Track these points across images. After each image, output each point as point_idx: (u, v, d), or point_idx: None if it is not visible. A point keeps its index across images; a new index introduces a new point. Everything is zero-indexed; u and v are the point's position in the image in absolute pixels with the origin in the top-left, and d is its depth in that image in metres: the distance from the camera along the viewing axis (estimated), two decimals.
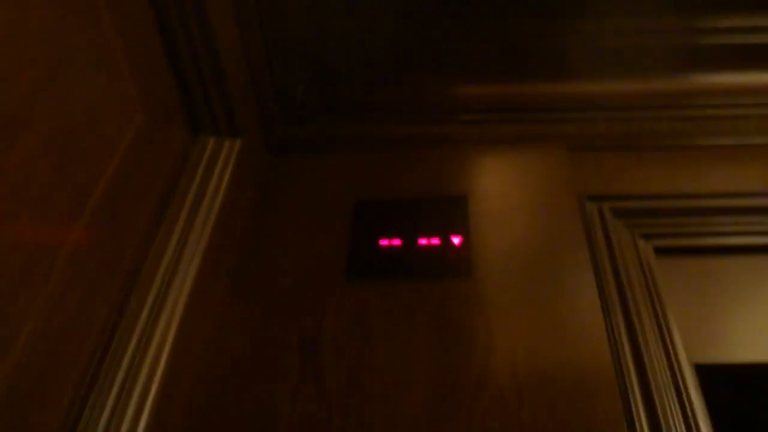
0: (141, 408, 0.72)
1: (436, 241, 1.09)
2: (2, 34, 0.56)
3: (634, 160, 1.22)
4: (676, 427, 0.86)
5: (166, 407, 0.77)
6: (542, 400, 0.88)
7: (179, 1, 0.86)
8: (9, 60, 0.57)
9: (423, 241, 1.10)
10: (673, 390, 0.90)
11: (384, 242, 1.10)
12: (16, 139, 0.57)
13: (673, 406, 0.88)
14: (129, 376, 0.72)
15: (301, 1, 1.25)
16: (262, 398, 0.90)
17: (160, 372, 0.75)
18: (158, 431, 0.75)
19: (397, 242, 1.10)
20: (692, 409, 0.88)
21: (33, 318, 0.60)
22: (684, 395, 0.89)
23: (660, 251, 1.09)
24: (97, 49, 0.72)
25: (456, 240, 1.09)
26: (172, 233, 0.86)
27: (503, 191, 1.17)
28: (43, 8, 0.62)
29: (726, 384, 0.98)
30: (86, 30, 0.70)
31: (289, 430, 0.87)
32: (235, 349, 0.96)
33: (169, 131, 0.91)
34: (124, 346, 0.74)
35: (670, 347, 0.95)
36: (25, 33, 0.60)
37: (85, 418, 0.67)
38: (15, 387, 0.58)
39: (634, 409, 0.87)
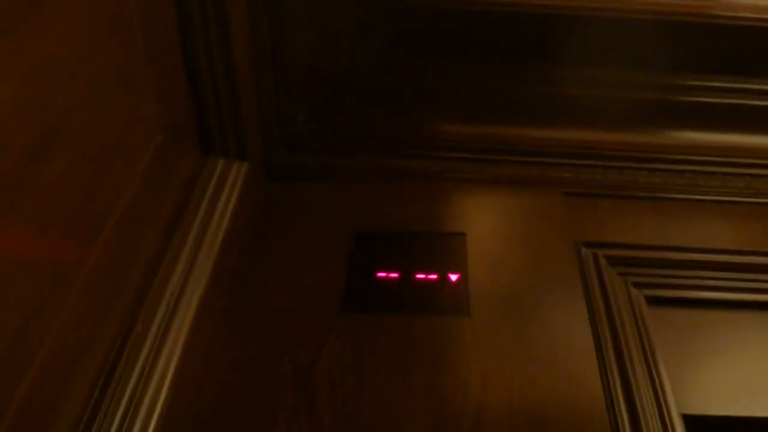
0: None
1: (433, 276, 1.10)
2: (49, 54, 0.56)
3: (628, 209, 1.25)
4: None
5: None
6: None
7: (204, 24, 0.87)
8: (51, 79, 0.57)
9: (420, 276, 1.10)
10: None
11: (381, 275, 1.11)
12: (51, 153, 0.57)
13: None
14: (132, 403, 0.71)
15: (309, 31, 1.27)
16: (256, 430, 0.89)
17: (162, 399, 0.74)
18: None
19: (394, 275, 1.11)
20: None
21: (51, 339, 0.59)
22: None
23: (651, 301, 1.11)
24: (127, 72, 0.72)
25: (454, 277, 1.10)
26: (180, 256, 0.86)
27: (501, 231, 1.18)
28: (84, 31, 0.63)
29: None
30: (121, 54, 0.71)
31: None
32: (229, 378, 0.94)
33: (183, 151, 0.92)
34: (129, 371, 0.73)
35: (660, 395, 0.96)
36: (67, 55, 0.60)
37: None
38: (27, 412, 0.56)
39: None
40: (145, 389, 0.73)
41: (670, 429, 0.93)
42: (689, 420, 0.96)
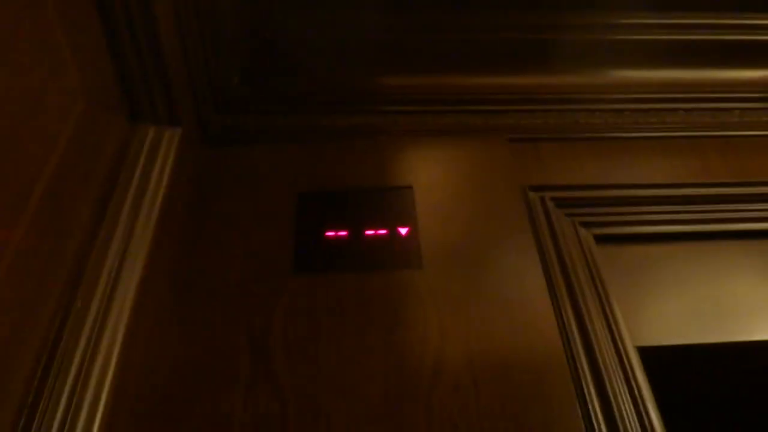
0: (93, 415, 0.67)
1: (383, 231, 1.08)
2: None
3: (570, 151, 1.25)
4: (625, 407, 0.89)
5: (116, 413, 0.72)
6: (498, 386, 0.89)
7: None
8: None
9: (370, 233, 1.08)
10: (620, 371, 0.93)
11: (330, 234, 1.08)
12: None
13: (621, 387, 0.91)
14: (78, 384, 0.67)
15: None
16: (213, 399, 0.87)
17: (109, 378, 0.71)
18: None
19: (343, 233, 1.08)
20: (639, 389, 0.91)
21: None
22: (630, 376, 0.92)
23: (600, 239, 1.12)
24: (39, 37, 0.67)
25: (403, 230, 1.08)
26: (116, 227, 0.81)
27: (448, 182, 1.17)
28: None
29: (664, 364, 1.02)
30: (29, 18, 0.65)
31: (243, 430, 0.84)
32: (182, 351, 0.91)
33: (109, 120, 0.86)
34: (72, 349, 0.69)
35: (614, 330, 0.98)
36: None
37: (37, 422, 0.62)
38: None
39: (586, 391, 0.89)
40: (90, 368, 0.69)
41: (625, 362, 0.94)
42: (644, 351, 0.98)
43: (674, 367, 1.07)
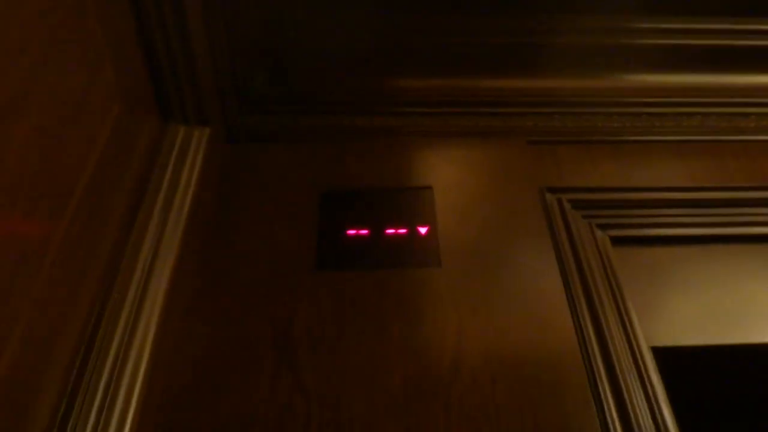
0: (128, 404, 0.71)
1: (403, 230, 1.11)
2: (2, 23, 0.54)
3: (587, 153, 1.27)
4: (639, 405, 0.90)
5: (148, 402, 0.75)
6: (515, 382, 0.91)
7: None
8: (3, 51, 0.55)
9: (390, 231, 1.11)
10: (635, 370, 0.95)
11: (352, 232, 1.11)
12: (8, 131, 0.55)
13: (635, 386, 0.93)
14: (115, 372, 0.71)
15: None
16: (239, 390, 0.90)
17: (143, 366, 0.74)
18: (142, 425, 0.74)
19: (364, 232, 1.11)
20: (653, 388, 0.93)
21: (25, 316, 0.58)
22: (645, 376, 0.94)
23: (616, 241, 1.14)
24: (82, 41, 0.70)
25: (423, 230, 1.11)
26: (149, 223, 0.85)
27: (467, 183, 1.19)
28: (31, 3, 0.60)
29: (678, 364, 1.04)
30: (73, 22, 0.68)
31: (267, 421, 0.87)
32: (209, 341, 0.94)
33: (143, 120, 0.90)
34: (109, 339, 0.72)
35: (630, 331, 0.99)
36: (17, 25, 0.58)
37: (75, 412, 0.65)
38: (10, 387, 0.55)
39: (600, 389, 0.91)
40: (126, 357, 0.72)
41: (640, 362, 0.96)
42: (658, 352, 1.00)
43: (688, 368, 1.08)
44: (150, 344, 0.76)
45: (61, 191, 0.66)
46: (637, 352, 0.97)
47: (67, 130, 0.67)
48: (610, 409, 0.90)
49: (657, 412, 0.91)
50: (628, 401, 0.90)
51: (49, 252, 0.63)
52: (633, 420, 0.89)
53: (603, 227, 1.15)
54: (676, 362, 1.02)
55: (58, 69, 0.65)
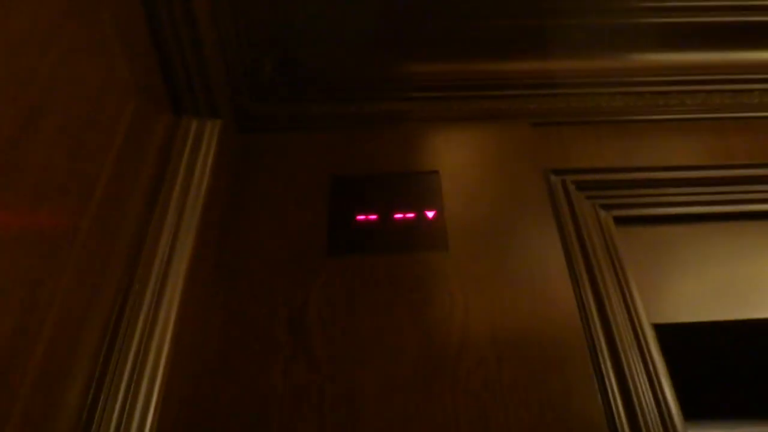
0: (152, 387, 0.75)
1: (411, 215, 1.14)
2: (20, 33, 0.57)
3: (591, 134, 1.29)
4: (640, 381, 0.94)
5: (171, 385, 0.80)
6: (520, 360, 0.95)
7: None
8: (25, 55, 0.58)
9: (398, 216, 1.14)
10: (636, 347, 0.98)
11: (361, 217, 1.14)
12: (36, 130, 0.59)
13: (636, 362, 0.96)
14: (139, 357, 0.75)
15: None
16: (255, 371, 0.94)
17: (165, 351, 0.79)
18: (166, 406, 0.79)
19: (373, 217, 1.14)
20: (653, 364, 0.96)
21: (57, 304, 0.62)
22: (646, 352, 0.98)
23: (619, 220, 1.17)
24: (98, 40, 0.73)
25: (430, 214, 1.14)
26: (167, 215, 0.88)
27: (473, 166, 1.22)
28: (50, 5, 0.64)
29: (680, 341, 1.07)
30: (88, 23, 0.72)
31: (283, 400, 0.91)
32: (227, 326, 0.99)
33: (157, 114, 0.93)
34: (133, 327, 0.76)
35: (632, 308, 1.03)
36: (36, 29, 0.61)
37: (104, 394, 0.70)
38: (45, 371, 0.60)
39: (602, 365, 0.95)
40: (149, 341, 0.77)
41: (641, 338, 0.99)
42: (660, 328, 1.03)
43: (689, 344, 1.12)
44: (171, 329, 0.80)
45: (84, 187, 0.69)
46: (638, 328, 1.01)
47: (88, 127, 0.71)
48: (611, 384, 0.93)
49: (657, 387, 0.94)
50: (629, 377, 0.94)
51: (75, 244, 0.67)
52: (633, 395, 0.93)
53: (606, 207, 1.18)
54: (677, 338, 1.05)
55: (77, 69, 0.69)
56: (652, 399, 0.93)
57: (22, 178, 0.57)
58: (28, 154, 0.58)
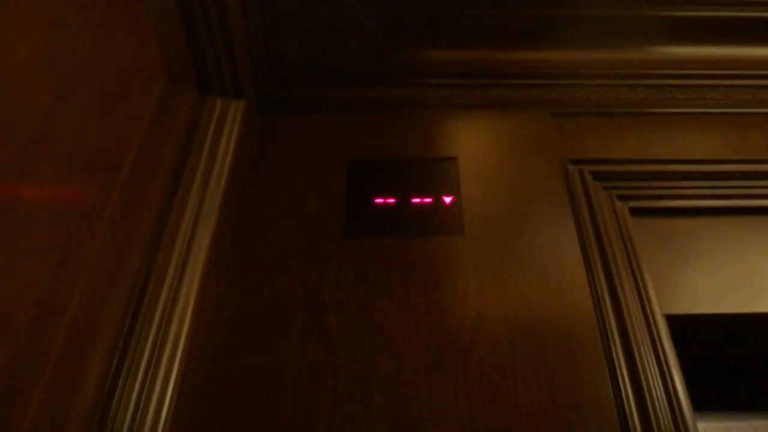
0: (173, 358, 0.77)
1: (428, 200, 1.15)
2: (57, 10, 0.59)
3: (610, 125, 1.29)
4: (650, 371, 0.95)
5: (191, 357, 0.82)
6: (532, 348, 0.96)
7: None
8: (62, 33, 0.60)
9: (416, 200, 1.15)
10: (647, 337, 0.99)
11: (379, 201, 1.16)
12: (69, 104, 0.60)
13: (647, 352, 0.97)
14: (162, 329, 0.77)
15: None
16: (271, 348, 0.96)
17: (186, 325, 0.81)
18: (185, 378, 0.81)
19: (391, 201, 1.16)
20: (665, 355, 0.97)
21: (85, 272, 0.64)
22: (657, 342, 0.99)
23: (635, 212, 1.17)
24: (129, 19, 0.75)
25: (447, 199, 1.15)
26: (191, 192, 0.90)
27: (491, 154, 1.23)
28: None
29: (692, 332, 1.08)
30: (120, 3, 0.73)
31: (299, 378, 0.93)
32: (244, 302, 1.00)
33: (183, 93, 0.95)
34: (156, 298, 0.78)
35: (645, 299, 1.04)
36: (73, 9, 0.62)
37: (126, 366, 0.72)
38: (71, 340, 0.62)
39: (614, 354, 0.96)
40: (171, 315, 0.79)
41: (654, 328, 1.00)
42: (672, 319, 1.04)
43: (702, 335, 1.12)
44: (192, 304, 0.83)
45: (112, 163, 0.71)
46: (651, 319, 1.01)
47: (117, 105, 0.72)
48: (622, 372, 0.95)
49: (668, 376, 0.95)
50: (639, 366, 0.95)
51: (103, 216, 0.69)
52: (644, 384, 0.94)
53: (623, 198, 1.18)
54: (689, 330, 1.06)
55: (109, 47, 0.70)
56: (662, 389, 0.94)
57: (56, 150, 0.59)
58: (61, 126, 0.60)
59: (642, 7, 1.36)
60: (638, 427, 0.90)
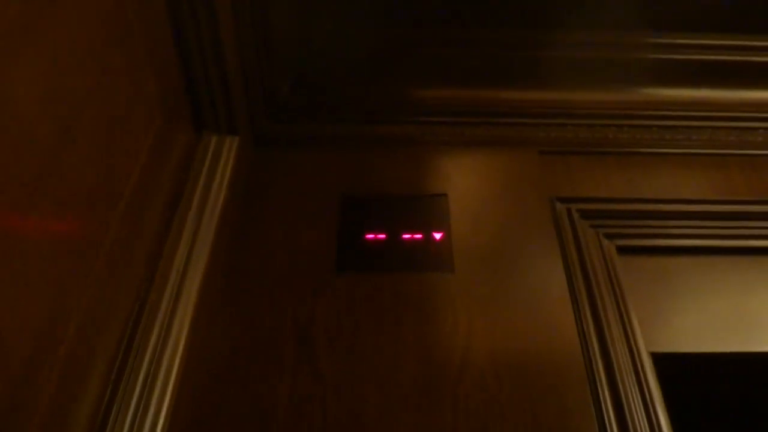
0: (164, 392, 0.78)
1: (418, 236, 1.17)
2: (63, 47, 0.61)
3: (598, 164, 1.32)
4: (636, 407, 0.96)
5: (182, 393, 0.83)
6: (519, 383, 0.98)
7: (191, 6, 0.91)
8: (66, 71, 0.62)
9: (407, 236, 1.17)
10: (633, 374, 1.00)
11: (370, 236, 1.17)
12: (71, 142, 0.62)
13: (633, 389, 0.98)
14: (153, 362, 0.78)
15: (288, 6, 1.30)
16: (262, 382, 0.97)
17: (179, 358, 0.82)
18: (176, 411, 0.82)
19: (382, 236, 1.17)
20: (650, 392, 0.98)
21: (82, 309, 0.65)
22: (642, 379, 1.00)
23: (622, 250, 1.19)
24: (129, 59, 0.77)
25: (438, 235, 1.17)
26: (184, 229, 0.92)
27: (480, 191, 1.25)
28: (90, 24, 0.68)
29: (677, 370, 1.09)
30: (122, 43, 0.76)
31: (288, 410, 0.94)
32: (236, 336, 1.01)
33: (179, 130, 0.97)
34: (148, 334, 0.80)
35: (630, 336, 1.05)
36: (78, 47, 0.65)
37: (119, 398, 0.73)
38: (67, 371, 0.63)
39: (600, 391, 0.97)
40: (163, 349, 0.80)
41: (639, 366, 1.02)
42: (658, 357, 1.05)
43: (687, 374, 1.14)
44: (185, 338, 0.84)
45: (110, 198, 0.73)
46: (636, 356, 1.03)
47: (117, 142, 0.74)
48: (608, 410, 0.95)
49: (653, 415, 0.96)
50: (625, 403, 0.96)
51: (100, 253, 0.70)
52: (629, 422, 0.94)
53: (610, 236, 1.20)
54: (675, 368, 1.07)
55: (110, 87, 0.73)
56: (647, 426, 0.95)
57: (58, 187, 0.60)
58: (63, 164, 0.61)
59: (630, 50, 1.40)
60: None
